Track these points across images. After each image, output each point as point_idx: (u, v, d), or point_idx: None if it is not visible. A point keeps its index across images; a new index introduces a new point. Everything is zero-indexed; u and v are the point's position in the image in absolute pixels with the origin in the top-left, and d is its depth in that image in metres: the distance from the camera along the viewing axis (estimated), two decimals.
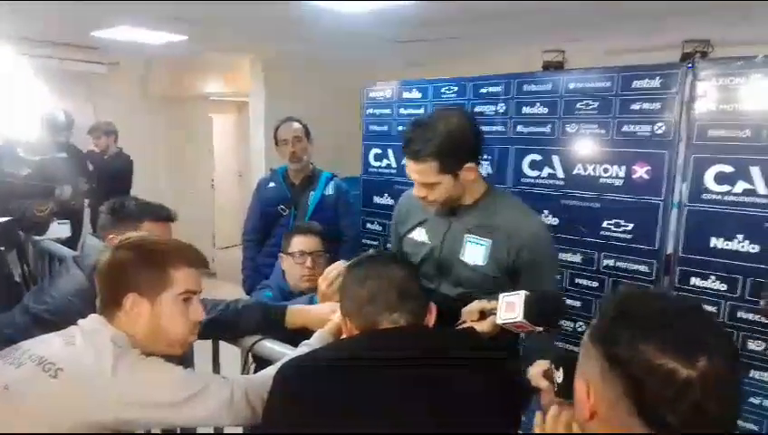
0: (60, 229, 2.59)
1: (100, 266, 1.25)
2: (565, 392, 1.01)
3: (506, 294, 1.37)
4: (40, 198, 1.58)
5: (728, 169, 2.25)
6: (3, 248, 1.80)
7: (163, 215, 1.75)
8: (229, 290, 2.32)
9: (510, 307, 1.34)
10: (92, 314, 1.22)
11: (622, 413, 0.77)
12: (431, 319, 1.24)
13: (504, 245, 1.60)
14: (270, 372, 1.29)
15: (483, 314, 1.43)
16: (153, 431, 1.75)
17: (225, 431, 1.64)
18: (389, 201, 3.43)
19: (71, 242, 2.95)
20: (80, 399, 1.06)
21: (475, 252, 1.62)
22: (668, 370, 0.72)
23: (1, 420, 1.03)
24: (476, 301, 1.46)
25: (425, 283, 1.59)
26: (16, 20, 3.86)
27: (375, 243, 3.58)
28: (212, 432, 1.65)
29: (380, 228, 3.57)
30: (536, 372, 1.18)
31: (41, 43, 4.75)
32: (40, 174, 1.55)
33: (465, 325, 1.42)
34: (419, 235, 1.74)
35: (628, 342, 0.76)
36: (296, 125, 2.95)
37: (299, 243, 2.15)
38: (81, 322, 1.20)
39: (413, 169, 1.58)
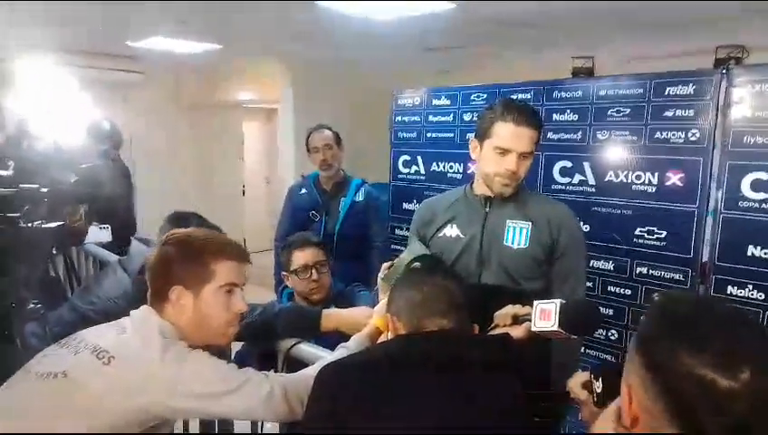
0: (101, 234, 2.69)
1: (149, 261, 1.32)
2: (604, 403, 1.02)
3: (541, 301, 1.38)
4: (89, 203, 1.65)
5: (765, 176, 2.21)
6: (54, 252, 1.88)
7: None
8: (260, 294, 2.36)
9: (545, 315, 1.34)
10: (143, 306, 1.28)
11: (662, 421, 0.75)
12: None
13: (545, 227, 1.69)
14: (308, 371, 1.33)
15: (516, 319, 1.44)
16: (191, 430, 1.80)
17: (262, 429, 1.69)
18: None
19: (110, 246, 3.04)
20: (130, 386, 1.11)
21: (517, 235, 1.69)
22: (707, 380, 0.70)
23: (60, 404, 1.09)
24: (510, 305, 1.47)
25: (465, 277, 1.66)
26: (59, 29, 4.02)
27: (403, 249, 3.60)
28: (249, 432, 1.69)
29: (409, 234, 3.58)
30: (575, 383, 1.18)
31: (79, 54, 4.92)
32: (87, 181, 1.61)
33: (498, 330, 1.43)
34: (451, 231, 1.77)
35: (667, 349, 0.75)
36: (327, 133, 2.99)
37: (300, 257, 2.12)
38: (132, 313, 1.27)
39: (524, 134, 1.63)
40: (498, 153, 1.65)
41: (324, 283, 2.13)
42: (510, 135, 1.63)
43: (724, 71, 2.38)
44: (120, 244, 2.57)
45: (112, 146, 4.70)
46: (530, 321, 1.37)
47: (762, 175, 2.22)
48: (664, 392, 0.74)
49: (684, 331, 0.76)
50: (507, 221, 1.70)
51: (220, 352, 1.35)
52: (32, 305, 1.56)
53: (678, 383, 0.73)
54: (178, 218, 1.77)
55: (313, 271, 2.10)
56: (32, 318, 1.58)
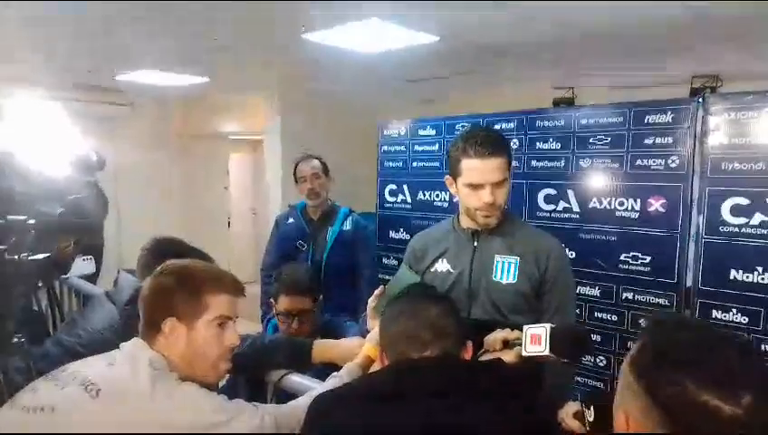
0: (84, 266, 2.66)
1: (142, 291, 1.30)
2: (597, 432, 1.02)
3: (530, 326, 1.39)
4: (75, 235, 1.63)
5: (744, 201, 2.26)
6: (40, 284, 1.85)
7: None
8: (246, 326, 2.32)
9: (535, 340, 1.35)
10: (134, 338, 1.26)
11: None
12: (467, 356, 1.27)
13: (532, 259, 1.68)
14: (299, 402, 1.32)
15: (506, 343, 1.44)
16: None
17: None
18: (405, 236, 3.46)
19: (92, 278, 3.00)
20: (119, 419, 1.09)
21: (506, 270, 1.69)
22: (712, 407, 0.71)
23: None
24: (499, 329, 1.47)
25: None
26: (45, 62, 4.04)
27: (389, 278, 3.60)
28: None
29: (396, 263, 3.58)
30: (567, 413, 1.18)
31: (65, 87, 4.93)
32: (73, 212, 1.60)
33: (488, 355, 1.43)
34: (442, 265, 1.77)
35: (670, 379, 0.76)
36: (315, 162, 3.02)
37: (284, 302, 2.07)
38: (123, 344, 1.25)
39: (491, 166, 1.60)
40: (471, 189, 1.64)
41: (305, 331, 2.06)
42: (478, 170, 1.61)
43: (700, 99, 2.45)
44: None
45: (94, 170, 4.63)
46: (520, 346, 1.37)
47: (740, 200, 2.27)
48: (667, 420, 0.75)
49: (684, 359, 0.77)
50: (495, 256, 1.70)
51: (210, 386, 1.33)
52: (15, 340, 1.53)
53: (682, 411, 0.74)
54: (161, 245, 1.74)
55: (295, 320, 2.05)
56: (15, 353, 1.54)
